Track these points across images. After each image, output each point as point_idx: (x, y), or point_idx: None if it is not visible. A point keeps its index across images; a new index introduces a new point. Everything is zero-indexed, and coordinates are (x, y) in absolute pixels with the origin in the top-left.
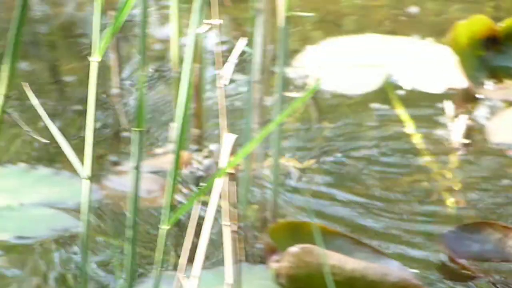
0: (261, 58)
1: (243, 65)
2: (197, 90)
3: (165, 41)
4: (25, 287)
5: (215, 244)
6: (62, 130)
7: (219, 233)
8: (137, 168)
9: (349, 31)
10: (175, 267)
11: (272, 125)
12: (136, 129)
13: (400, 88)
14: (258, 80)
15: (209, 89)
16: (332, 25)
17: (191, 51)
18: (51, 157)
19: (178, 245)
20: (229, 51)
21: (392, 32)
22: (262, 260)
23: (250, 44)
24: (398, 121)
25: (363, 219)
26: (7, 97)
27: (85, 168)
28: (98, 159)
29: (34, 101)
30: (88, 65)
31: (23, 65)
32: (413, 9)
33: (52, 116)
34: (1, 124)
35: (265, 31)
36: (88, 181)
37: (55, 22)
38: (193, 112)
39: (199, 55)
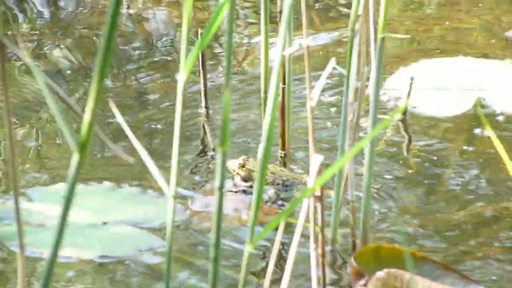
0: (355, 80)
1: (334, 86)
2: (282, 111)
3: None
4: None
5: (299, 267)
6: (147, 148)
7: (305, 257)
8: (220, 188)
9: (440, 53)
10: None
11: (362, 143)
12: (221, 148)
13: (492, 111)
14: (352, 101)
15: (296, 110)
16: (423, 47)
17: (278, 71)
18: (137, 175)
19: (260, 266)
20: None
21: (484, 55)
22: (349, 284)
23: (343, 65)
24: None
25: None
26: (94, 112)
27: (170, 187)
28: (184, 179)
29: (119, 118)
30: (174, 83)
31: (107, 82)
32: (507, 33)
33: (136, 133)
34: (89, 141)
35: (362, 53)
36: (173, 200)
37: (140, 38)
38: (279, 133)
39: (286, 75)
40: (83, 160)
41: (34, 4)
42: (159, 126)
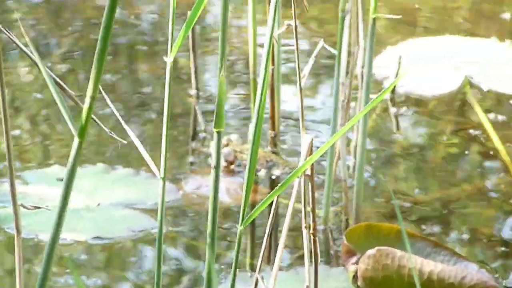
0: (346, 60)
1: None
2: (272, 92)
3: (242, 42)
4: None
5: (291, 245)
6: (140, 132)
7: (296, 235)
8: (216, 167)
9: (428, 32)
10: (250, 267)
11: (350, 123)
12: (216, 129)
13: (480, 90)
14: (344, 82)
15: (284, 91)
16: (410, 26)
17: (268, 52)
18: (130, 158)
19: (253, 245)
20: (309, 52)
21: (471, 33)
22: (340, 262)
23: (334, 46)
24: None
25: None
26: (93, 99)
27: (161, 169)
28: (176, 160)
29: (112, 106)
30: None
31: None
32: (489, 10)
33: (130, 117)
34: (87, 127)
35: (352, 33)
36: (163, 181)
37: (134, 30)
38: (269, 114)
39: (275, 56)
40: (82, 145)
41: None
42: (152, 108)
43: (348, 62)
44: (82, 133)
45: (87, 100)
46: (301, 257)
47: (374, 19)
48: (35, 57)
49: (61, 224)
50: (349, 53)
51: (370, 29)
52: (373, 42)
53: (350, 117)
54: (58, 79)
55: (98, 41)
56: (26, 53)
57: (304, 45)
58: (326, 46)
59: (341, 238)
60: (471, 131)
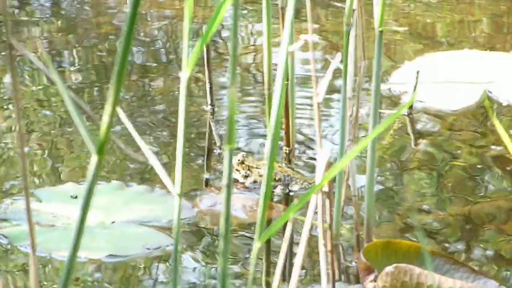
0: (353, 75)
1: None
2: (286, 107)
3: (256, 58)
4: None
5: (307, 262)
6: (153, 148)
7: (312, 252)
8: (228, 185)
9: (446, 46)
10: (266, 285)
11: (366, 141)
12: (227, 146)
13: (499, 104)
14: (351, 96)
15: (299, 106)
16: (428, 40)
17: (283, 67)
18: (144, 174)
19: (268, 262)
20: (323, 65)
21: (490, 47)
22: (357, 279)
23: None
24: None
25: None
26: (111, 116)
27: (176, 185)
28: (191, 177)
29: (126, 120)
30: (177, 81)
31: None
32: (507, 24)
33: (144, 134)
34: (106, 144)
35: (358, 47)
36: (179, 198)
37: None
38: (284, 130)
39: (289, 72)
40: (101, 162)
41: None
42: (165, 124)
43: (355, 77)
44: (101, 150)
45: (106, 117)
46: (317, 273)
47: (381, 32)
48: (54, 73)
49: (80, 241)
50: (356, 67)
51: (377, 42)
52: (380, 56)
53: (359, 132)
54: (75, 97)
55: (116, 61)
56: (43, 71)
57: (318, 57)
58: (332, 61)
59: (351, 254)
60: (490, 146)
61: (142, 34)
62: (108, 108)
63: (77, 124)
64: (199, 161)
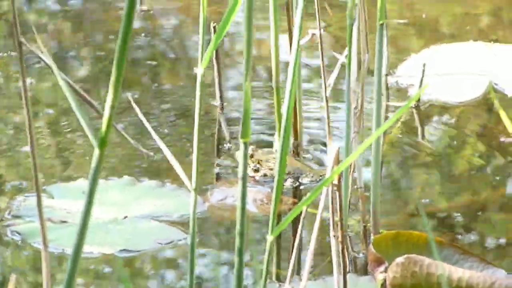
0: (356, 67)
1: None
2: (293, 101)
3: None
4: None
5: (317, 252)
6: (165, 143)
7: (321, 244)
8: (243, 178)
9: (451, 39)
10: (277, 278)
11: (375, 134)
12: (242, 139)
13: (505, 95)
14: (354, 89)
15: (304, 100)
16: (433, 33)
17: (295, 61)
18: (156, 170)
19: (279, 255)
20: (330, 61)
21: (494, 39)
22: (365, 270)
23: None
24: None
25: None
26: (113, 108)
27: (192, 181)
28: (201, 171)
29: (140, 115)
30: (189, 80)
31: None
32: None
33: (155, 128)
34: (108, 137)
35: (361, 40)
36: (195, 194)
37: (152, 35)
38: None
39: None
40: (103, 156)
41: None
42: (175, 120)
43: (359, 69)
44: (102, 144)
45: (107, 109)
46: (327, 264)
47: (382, 25)
48: (54, 69)
49: (84, 236)
50: (360, 60)
51: (378, 35)
52: (382, 49)
53: (364, 125)
54: (78, 89)
55: (116, 48)
56: (48, 64)
57: (325, 52)
58: (336, 54)
59: (359, 245)
60: (497, 136)
61: (153, 29)
62: (109, 99)
63: (79, 117)
64: (209, 156)
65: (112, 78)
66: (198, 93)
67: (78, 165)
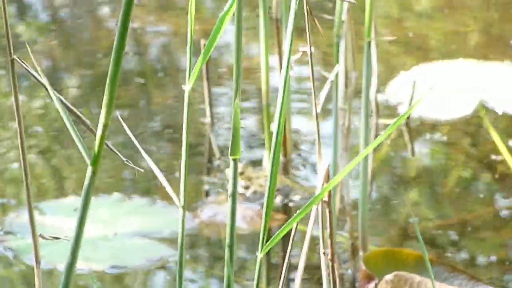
0: (344, 85)
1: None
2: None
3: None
4: None
5: (306, 271)
6: (154, 160)
7: (310, 261)
8: (233, 195)
9: (440, 57)
10: None
11: (365, 152)
12: (232, 156)
13: (495, 114)
14: (342, 107)
15: (294, 117)
16: (422, 50)
17: (286, 79)
18: (145, 187)
19: (268, 271)
20: (318, 78)
21: (484, 57)
22: (353, 287)
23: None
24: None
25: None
26: (105, 126)
27: (180, 197)
28: (191, 188)
29: (130, 134)
30: (178, 96)
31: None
32: (501, 34)
33: (143, 143)
34: (101, 154)
35: (348, 58)
36: (183, 211)
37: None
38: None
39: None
40: (96, 173)
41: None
42: (164, 137)
43: (346, 88)
44: (95, 161)
45: (100, 127)
46: (316, 281)
47: (369, 43)
48: (47, 84)
49: (77, 253)
50: (347, 78)
51: (366, 53)
52: (370, 67)
53: (353, 142)
54: (71, 106)
55: (110, 67)
56: (39, 81)
57: (314, 70)
58: (323, 73)
59: (347, 262)
60: (486, 155)
61: (138, 48)
62: (102, 117)
63: (72, 134)
64: (199, 173)
65: (105, 96)
66: (185, 109)
67: (70, 182)
